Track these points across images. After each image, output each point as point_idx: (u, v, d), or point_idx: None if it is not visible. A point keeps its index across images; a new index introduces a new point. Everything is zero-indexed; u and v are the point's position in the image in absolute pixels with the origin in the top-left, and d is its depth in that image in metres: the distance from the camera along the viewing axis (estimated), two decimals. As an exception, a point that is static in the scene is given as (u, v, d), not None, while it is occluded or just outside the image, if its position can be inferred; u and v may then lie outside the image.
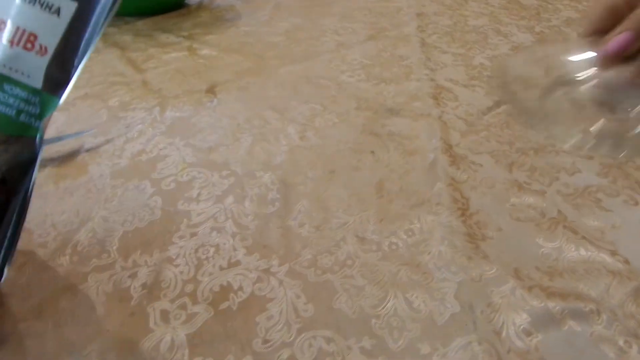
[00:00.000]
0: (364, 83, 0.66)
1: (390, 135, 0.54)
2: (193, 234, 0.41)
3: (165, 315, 0.35)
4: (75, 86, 0.68)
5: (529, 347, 0.32)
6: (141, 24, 0.89)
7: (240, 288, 0.36)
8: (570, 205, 0.43)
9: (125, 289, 0.37)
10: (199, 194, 0.46)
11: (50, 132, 0.58)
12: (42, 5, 0.30)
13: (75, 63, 0.32)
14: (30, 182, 0.31)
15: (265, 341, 0.33)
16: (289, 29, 0.84)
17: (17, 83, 0.31)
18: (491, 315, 0.34)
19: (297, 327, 0.33)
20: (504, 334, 0.32)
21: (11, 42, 0.30)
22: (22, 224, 0.31)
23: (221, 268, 0.38)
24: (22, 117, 0.31)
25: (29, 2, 0.30)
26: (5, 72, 0.31)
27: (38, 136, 0.32)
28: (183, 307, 0.35)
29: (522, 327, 0.33)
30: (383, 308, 0.34)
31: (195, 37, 0.82)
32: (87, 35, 0.31)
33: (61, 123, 0.60)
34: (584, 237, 0.40)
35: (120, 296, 0.36)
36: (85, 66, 0.73)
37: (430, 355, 0.31)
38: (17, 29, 0.30)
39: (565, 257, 0.38)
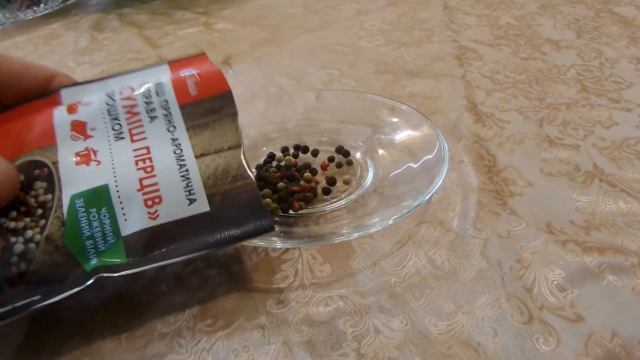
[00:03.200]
0: (384, 47, 0.63)
1: (411, 96, 0.51)
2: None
3: (178, 279, 0.33)
4: (92, 64, 0.68)
5: (563, 304, 0.29)
6: (158, 3, 0.88)
7: (254, 250, 0.35)
8: (607, 159, 0.40)
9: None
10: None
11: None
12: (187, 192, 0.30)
13: (158, 256, 0.28)
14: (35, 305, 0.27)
15: (280, 302, 0.31)
16: (306, 1, 0.81)
17: (113, 217, 0.29)
18: (521, 272, 0.31)
19: (313, 288, 0.32)
20: (535, 290, 0.30)
21: (141, 188, 0.29)
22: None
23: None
24: (88, 244, 0.28)
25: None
26: (115, 200, 0.29)
27: (85, 272, 0.28)
28: (197, 271, 0.34)
29: (555, 282, 0.30)
30: (403, 267, 0.32)
31: (211, 13, 0.81)
32: (187, 243, 0.29)
33: (79, 100, 0.59)
34: (623, 190, 0.37)
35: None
36: (102, 45, 0.73)
37: (455, 313, 0.29)
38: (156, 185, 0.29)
39: (602, 210, 0.35)
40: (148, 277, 0.33)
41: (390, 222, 0.32)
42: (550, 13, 0.69)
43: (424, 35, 0.65)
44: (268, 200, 0.36)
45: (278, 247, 0.34)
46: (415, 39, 0.64)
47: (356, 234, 0.32)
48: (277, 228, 0.32)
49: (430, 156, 0.39)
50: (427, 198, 0.33)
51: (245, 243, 0.30)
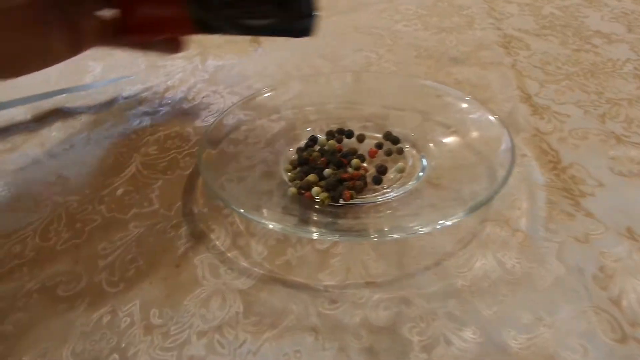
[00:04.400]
0: (422, 32, 0.59)
1: (457, 84, 0.47)
2: (241, 179, 0.36)
3: (214, 270, 0.29)
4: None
5: (657, 320, 0.25)
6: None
7: (299, 241, 0.31)
8: (682, 160, 0.36)
9: (169, 239, 0.32)
10: (246, 137, 0.40)
11: (86, 80, 0.53)
12: None
13: None
14: None
15: (332, 301, 0.27)
16: (336, -19, 0.77)
17: None
18: (605, 281, 0.27)
19: (370, 288, 0.28)
20: (624, 303, 0.26)
21: None
22: None
23: (275, 220, 0.33)
24: None
25: None
26: None
27: None
28: (234, 261, 0.30)
29: (645, 295, 0.26)
30: (470, 269, 0.29)
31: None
32: None
33: (98, 72, 0.55)
34: None
35: (164, 247, 0.31)
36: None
37: (535, 325, 0.25)
38: None
39: (686, 216, 0.31)
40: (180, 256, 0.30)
41: (457, 219, 0.28)
42: (595, 5, 0.65)
43: (464, 22, 0.61)
44: (317, 188, 0.32)
45: (331, 239, 0.30)
46: (455, 25, 0.60)
47: (421, 229, 0.28)
48: (325, 219, 0.28)
49: (490, 147, 0.35)
50: (496, 194, 0.30)
51: (295, 232, 0.27)
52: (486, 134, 0.36)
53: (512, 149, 0.32)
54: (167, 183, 0.37)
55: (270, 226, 0.28)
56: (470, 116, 0.38)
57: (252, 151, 0.39)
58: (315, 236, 0.27)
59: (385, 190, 0.34)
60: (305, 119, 0.42)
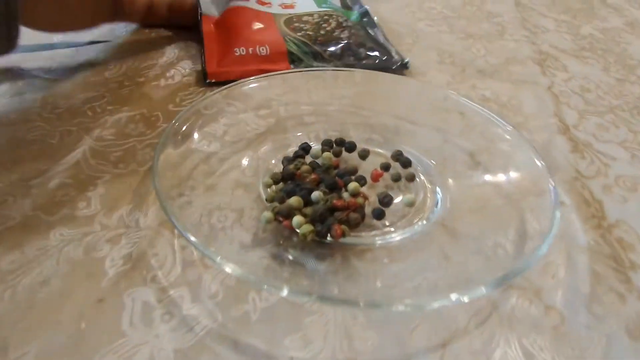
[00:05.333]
0: (447, 35, 0.51)
1: (484, 100, 0.39)
2: (208, 187, 0.28)
3: (147, 314, 0.22)
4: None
5: None
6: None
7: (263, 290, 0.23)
8: None
9: (99, 259, 0.24)
10: (224, 133, 0.32)
11: (53, 38, 0.45)
12: None
13: None
14: None
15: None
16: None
17: None
18: (669, 403, 0.20)
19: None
20: None
21: None
22: None
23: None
24: None
25: None
26: None
27: None
28: (176, 304, 0.22)
29: None
30: (488, 358, 0.21)
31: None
32: None
33: (70, 30, 0.46)
34: None
35: (89, 269, 0.23)
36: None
37: None
38: None
39: None
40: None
41: (477, 295, 0.20)
42: (638, 32, 0.57)
43: (494, 30, 0.53)
44: (299, 217, 0.24)
45: (305, 300, 0.22)
46: (484, 32, 0.52)
47: (429, 304, 0.20)
48: (303, 261, 0.20)
49: (524, 191, 0.27)
50: (533, 263, 0.22)
51: (255, 284, 0.19)
52: (521, 173, 0.28)
53: (556, 201, 0.25)
54: (115, 179, 0.29)
55: (227, 269, 0.20)
56: (502, 146, 0.30)
57: (228, 152, 0.31)
58: (284, 293, 0.19)
59: (386, 229, 0.26)
60: (299, 120, 0.34)
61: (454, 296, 0.19)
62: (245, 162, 0.30)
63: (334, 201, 0.25)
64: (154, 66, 0.41)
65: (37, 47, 0.41)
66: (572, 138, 0.36)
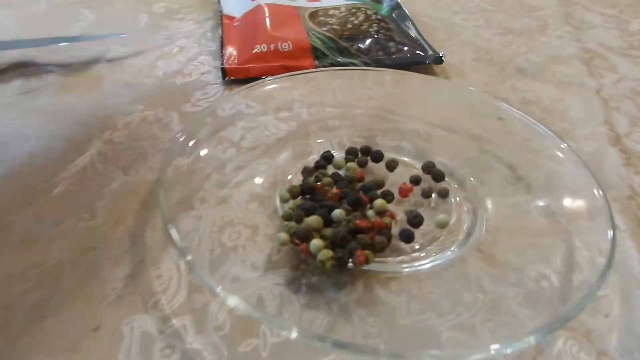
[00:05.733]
0: (485, 30, 0.47)
1: (525, 104, 0.36)
2: (221, 200, 0.25)
3: (146, 347, 0.19)
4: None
5: None
6: None
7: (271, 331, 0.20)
8: None
9: (99, 278, 0.22)
10: (242, 138, 0.30)
11: (72, 30, 0.43)
12: None
13: None
14: None
15: None
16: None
17: None
18: None
19: None
20: None
21: None
22: None
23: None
24: None
25: None
26: None
27: None
28: (178, 336, 0.20)
29: None
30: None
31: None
32: None
33: (89, 23, 0.44)
34: None
35: (88, 291, 0.21)
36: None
37: None
38: None
39: None
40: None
41: (523, 345, 0.17)
42: (694, 28, 0.52)
43: (536, 25, 0.48)
44: (318, 241, 0.21)
45: (318, 346, 0.19)
46: (525, 28, 0.48)
47: (468, 356, 0.17)
48: (320, 291, 0.18)
49: (573, 215, 0.24)
50: (587, 304, 0.19)
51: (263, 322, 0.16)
52: (568, 191, 0.25)
53: (612, 227, 0.21)
54: (124, 187, 0.27)
55: (230, 304, 0.18)
56: (546, 158, 0.27)
57: (245, 160, 0.28)
58: (293, 335, 0.17)
59: (415, 254, 0.23)
60: (322, 124, 0.31)
61: (494, 347, 0.16)
62: (262, 170, 0.28)
63: (357, 221, 0.22)
64: (171, 62, 0.39)
65: (53, 40, 0.39)
66: (625, 149, 0.32)
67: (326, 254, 0.21)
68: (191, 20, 0.46)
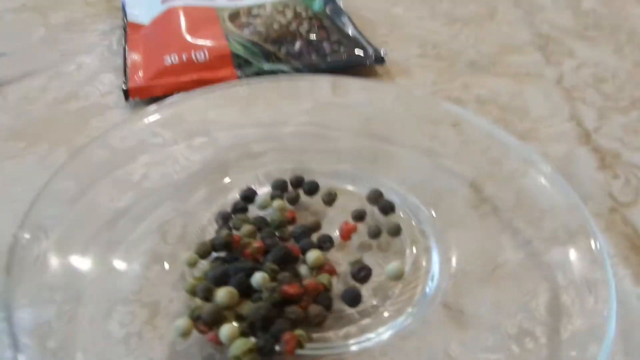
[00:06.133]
0: (429, 21, 0.42)
1: (480, 103, 0.31)
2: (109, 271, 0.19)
3: None
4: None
5: None
6: None
7: None
8: None
9: None
10: (144, 177, 0.23)
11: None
12: None
13: None
14: None
15: None
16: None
17: None
18: None
19: None
20: None
21: None
22: None
23: None
24: None
25: None
26: None
27: None
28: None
29: None
30: None
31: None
32: None
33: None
34: None
35: None
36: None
37: None
38: None
39: None
40: None
41: None
42: (645, 3, 0.49)
43: (485, 11, 0.44)
44: (231, 326, 0.15)
45: None
46: (473, 15, 0.43)
47: None
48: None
49: (547, 231, 0.19)
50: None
51: None
52: (546, 215, 0.20)
53: (604, 258, 0.17)
54: None
55: None
56: (512, 170, 0.22)
57: (145, 207, 0.22)
58: None
59: (364, 321, 0.18)
60: (244, 150, 0.25)
61: None
62: (168, 220, 0.22)
63: (285, 287, 0.17)
64: (65, 83, 0.32)
65: None
66: (597, 148, 0.28)
67: (242, 346, 0.15)
68: (95, 32, 0.39)
